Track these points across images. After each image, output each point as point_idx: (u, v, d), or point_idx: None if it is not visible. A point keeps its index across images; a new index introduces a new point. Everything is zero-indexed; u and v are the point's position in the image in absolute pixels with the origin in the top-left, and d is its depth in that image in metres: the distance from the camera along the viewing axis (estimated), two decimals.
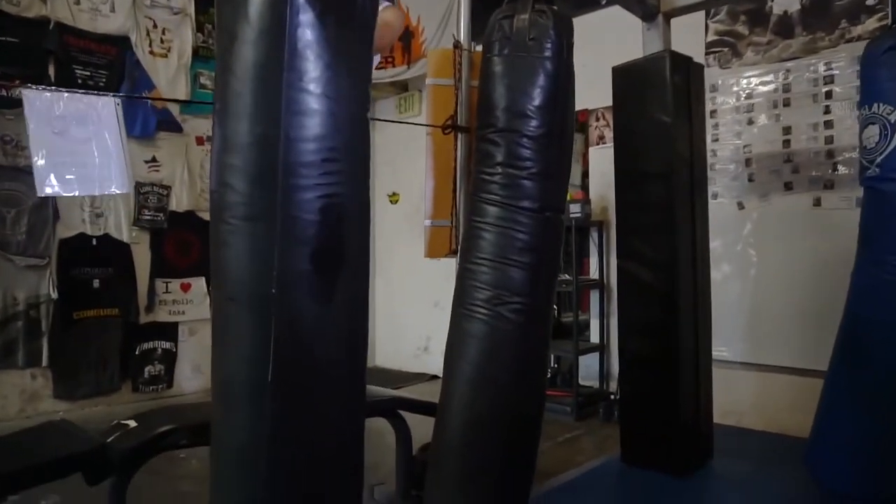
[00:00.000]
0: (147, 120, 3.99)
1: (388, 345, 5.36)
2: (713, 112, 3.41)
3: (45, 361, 3.64)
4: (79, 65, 3.72)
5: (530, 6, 1.91)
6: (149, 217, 4.01)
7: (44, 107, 1.42)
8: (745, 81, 3.35)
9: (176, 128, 4.11)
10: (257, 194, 1.20)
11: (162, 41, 4.07)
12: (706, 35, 3.48)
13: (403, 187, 5.28)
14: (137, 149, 3.94)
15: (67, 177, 1.43)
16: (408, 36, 4.83)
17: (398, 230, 5.17)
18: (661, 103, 2.49)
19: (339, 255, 1.26)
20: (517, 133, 1.88)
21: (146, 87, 3.98)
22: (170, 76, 4.07)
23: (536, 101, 1.87)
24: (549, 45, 1.87)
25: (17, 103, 3.50)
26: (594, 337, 3.98)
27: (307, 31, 1.20)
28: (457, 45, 2.45)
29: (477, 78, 2.13)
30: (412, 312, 5.15)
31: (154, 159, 4.05)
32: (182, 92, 4.06)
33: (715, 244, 2.88)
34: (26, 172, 3.55)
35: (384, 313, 5.38)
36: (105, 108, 1.49)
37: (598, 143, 3.97)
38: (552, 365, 4.01)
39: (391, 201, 5.31)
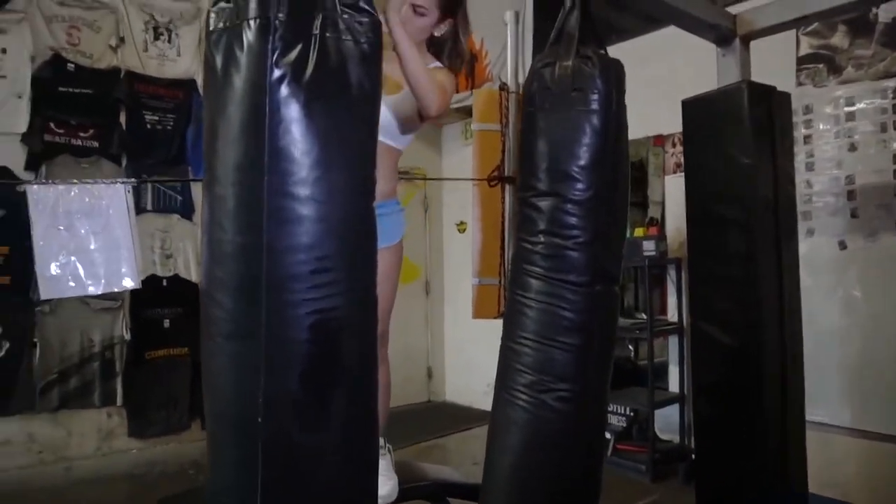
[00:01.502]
0: None
1: (458, 379, 5.20)
2: (807, 137, 3.01)
3: (119, 400, 3.76)
4: (148, 110, 3.84)
5: (573, 52, 1.70)
6: None
7: (50, 202, 1.36)
8: (844, 101, 2.93)
9: None
10: (240, 311, 1.07)
11: None
12: (797, 49, 3.09)
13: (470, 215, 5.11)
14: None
15: (73, 277, 1.37)
16: (471, 60, 4.68)
17: (467, 259, 4.99)
18: (739, 142, 2.18)
19: (334, 375, 1.11)
20: (560, 197, 1.67)
21: None
22: None
23: (582, 161, 1.65)
24: (595, 97, 1.65)
25: (92, 152, 3.65)
26: (673, 385, 3.63)
27: (291, 128, 1.05)
28: (503, 86, 2.27)
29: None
30: (481, 345, 4.95)
31: None
32: None
33: (810, 290, 2.51)
34: None
35: (453, 346, 5.23)
36: (115, 196, 1.42)
37: (675, 171, 3.63)
38: (628, 413, 3.70)
39: (459, 230, 5.16)
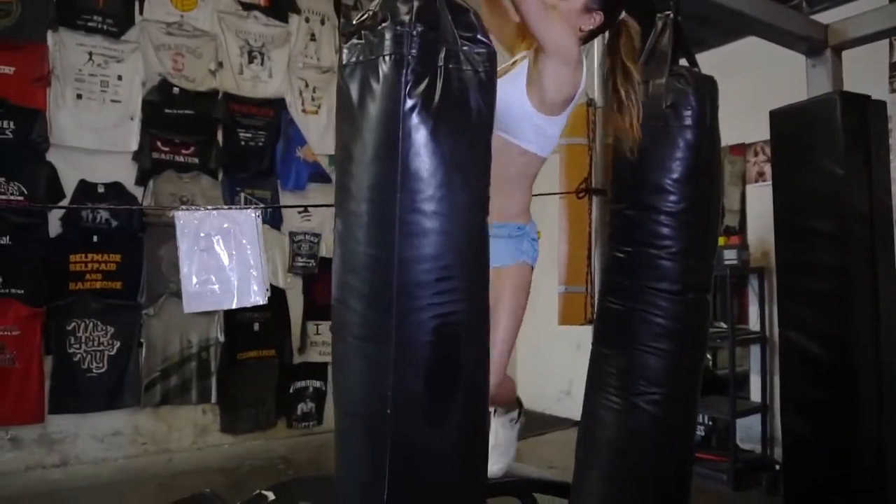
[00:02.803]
0: (300, 173, 4.29)
1: (532, 386, 5.24)
2: None
3: (213, 398, 4.01)
4: (242, 128, 4.10)
5: (667, 70, 1.76)
6: (301, 263, 4.30)
7: (192, 226, 1.53)
8: None
9: (326, 179, 4.36)
10: (372, 315, 1.20)
11: (313, 99, 4.36)
12: (891, 55, 3.01)
13: (545, 224, 5.16)
14: (292, 199, 4.25)
15: (210, 293, 1.54)
16: None
17: (541, 268, 5.02)
18: (832, 152, 2.18)
19: (454, 376, 1.22)
20: (654, 209, 1.73)
21: (299, 142, 4.28)
22: (320, 131, 4.35)
23: (675, 175, 1.72)
24: (688, 113, 1.71)
25: (192, 167, 3.93)
26: (755, 394, 3.57)
27: (421, 151, 1.17)
28: (590, 102, 2.33)
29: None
30: (555, 353, 5.00)
31: (306, 209, 4.33)
32: (331, 146, 4.31)
33: None
34: None
35: (527, 353, 5.28)
36: (247, 221, 1.58)
37: (756, 181, 3.59)
38: (706, 422, 3.67)
39: None
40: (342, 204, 1.25)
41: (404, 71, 1.16)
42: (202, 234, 1.57)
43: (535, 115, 1.52)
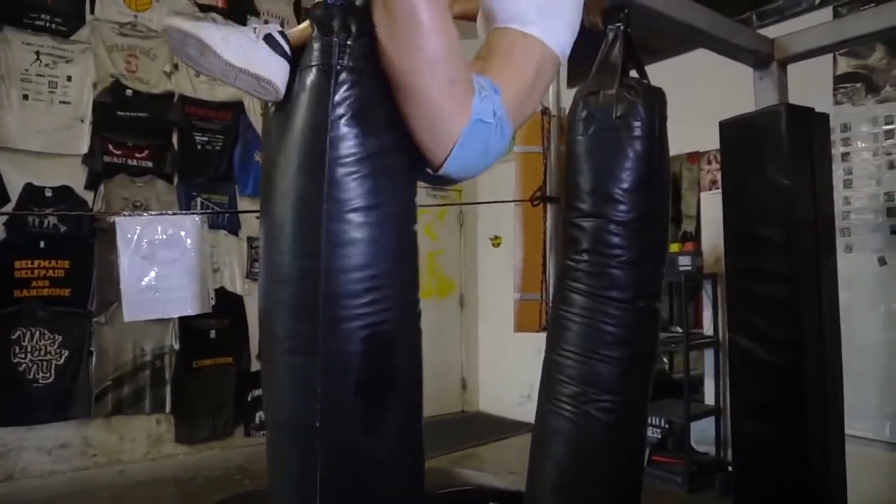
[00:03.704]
0: (259, 178, 4.21)
1: (492, 390, 5.27)
2: (844, 155, 3.04)
3: (168, 408, 3.91)
4: (198, 132, 4.02)
5: (617, 81, 1.78)
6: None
7: (135, 233, 1.49)
8: (883, 120, 2.95)
9: None
10: (300, 328, 1.17)
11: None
12: (835, 68, 3.12)
13: (506, 230, 5.20)
14: (250, 205, 4.18)
15: (152, 301, 1.50)
16: None
17: (501, 273, 5.07)
18: (778, 164, 2.23)
19: (386, 385, 1.21)
20: (604, 219, 1.74)
21: (258, 147, 4.22)
22: None
23: (625, 185, 1.73)
24: (638, 124, 1.73)
25: (146, 171, 3.84)
26: (709, 397, 3.65)
27: (348, 161, 1.15)
28: (545, 111, 2.36)
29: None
30: (515, 358, 5.02)
31: None
32: None
33: (850, 306, 2.52)
34: None
35: (487, 358, 5.30)
36: (192, 228, 1.55)
37: (710, 188, 3.67)
38: (663, 425, 3.73)
39: (493, 244, 5.24)
40: (268, 213, 1.23)
41: (332, 81, 1.14)
42: (145, 241, 1.53)
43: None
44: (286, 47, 1.15)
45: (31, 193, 3.50)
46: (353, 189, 1.15)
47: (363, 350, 1.15)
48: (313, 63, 1.16)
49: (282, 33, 1.16)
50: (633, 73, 1.88)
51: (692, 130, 3.57)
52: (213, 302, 1.61)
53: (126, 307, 1.50)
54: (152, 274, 1.52)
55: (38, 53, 3.53)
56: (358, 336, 1.15)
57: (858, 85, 3.04)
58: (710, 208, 3.66)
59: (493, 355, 5.24)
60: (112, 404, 3.72)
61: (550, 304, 2.10)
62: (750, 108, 2.49)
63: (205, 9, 4.06)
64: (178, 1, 3.97)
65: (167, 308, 1.54)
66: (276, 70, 1.16)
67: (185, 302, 1.55)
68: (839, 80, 3.11)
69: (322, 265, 1.13)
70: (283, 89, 1.14)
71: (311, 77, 1.16)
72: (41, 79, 3.53)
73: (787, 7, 3.25)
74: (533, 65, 1.30)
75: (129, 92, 3.76)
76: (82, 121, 3.62)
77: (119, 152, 3.75)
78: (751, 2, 3.39)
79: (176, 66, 3.93)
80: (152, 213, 1.56)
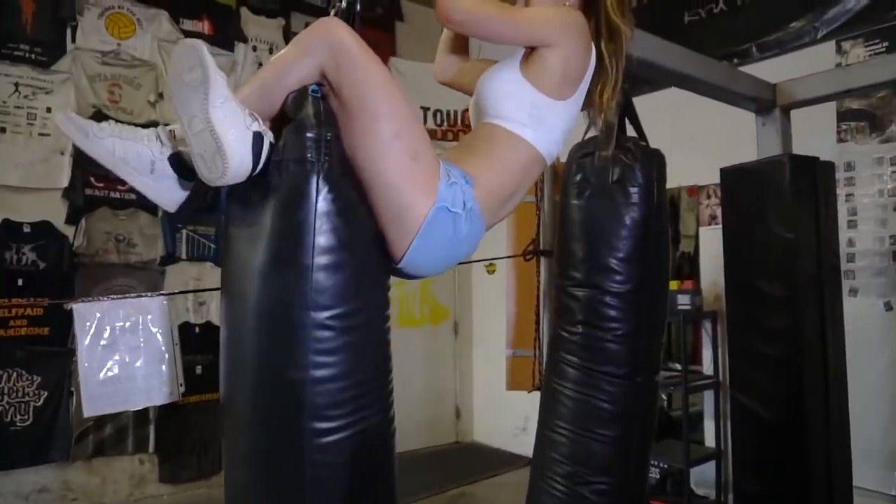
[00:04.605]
0: None
1: (486, 419, 5.15)
2: (848, 195, 2.94)
3: (151, 447, 3.79)
4: None
5: (613, 142, 1.69)
6: None
7: (95, 320, 1.38)
8: (889, 161, 2.86)
9: None
10: (280, 437, 1.10)
11: None
12: (838, 104, 3.03)
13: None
14: None
15: (114, 393, 1.39)
16: None
17: (496, 301, 4.96)
18: (781, 217, 2.14)
19: (373, 492, 1.13)
20: (600, 289, 1.65)
21: None
22: None
23: (621, 254, 1.64)
24: (635, 189, 1.64)
25: (129, 204, 3.73)
26: (709, 438, 3.54)
27: (332, 265, 1.07)
28: None
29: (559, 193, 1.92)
30: None
31: None
32: None
33: (855, 352, 2.40)
34: (137, 268, 3.76)
35: (482, 387, 5.18)
36: (157, 311, 1.44)
37: (709, 223, 3.58)
38: (661, 466, 3.62)
39: (488, 271, 5.13)
40: (235, 307, 1.13)
41: (316, 178, 1.05)
42: (106, 328, 1.42)
43: (530, 90, 1.20)
44: (263, 156, 1.05)
45: (9, 229, 3.38)
46: (338, 294, 1.07)
47: (351, 461, 1.09)
48: (293, 157, 1.06)
49: (272, 145, 1.06)
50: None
51: (691, 161, 3.48)
52: (182, 389, 1.50)
53: (85, 401, 1.40)
54: (115, 362, 1.41)
55: (16, 85, 3.41)
56: (345, 447, 1.08)
57: (863, 123, 2.95)
58: (710, 243, 3.56)
59: (487, 383, 5.13)
60: (93, 445, 3.59)
61: (544, 364, 2.01)
62: (752, 143, 2.39)
63: (191, 35, 3.95)
64: (163, 27, 3.86)
65: (129, 399, 1.44)
66: (238, 157, 1.05)
67: (151, 391, 1.45)
68: (843, 116, 3.02)
69: (307, 376, 1.05)
70: (227, 180, 1.03)
71: (292, 172, 1.07)
72: (20, 111, 3.42)
73: (787, 40, 3.16)
74: (520, 167, 1.21)
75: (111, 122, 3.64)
76: (62, 153, 3.51)
77: (101, 185, 3.63)
78: (751, 33, 3.29)
79: (161, 96, 3.82)
80: (114, 297, 1.45)
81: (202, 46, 1.02)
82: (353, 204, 1.09)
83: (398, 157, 1.06)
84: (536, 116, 1.20)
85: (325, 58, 1.05)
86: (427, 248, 1.11)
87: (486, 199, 1.15)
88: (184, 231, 3.90)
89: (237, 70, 4.09)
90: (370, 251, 1.12)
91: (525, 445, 4.73)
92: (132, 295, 1.50)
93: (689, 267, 3.78)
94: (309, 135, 1.05)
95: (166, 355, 1.47)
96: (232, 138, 1.03)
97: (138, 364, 1.43)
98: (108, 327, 1.40)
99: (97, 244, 3.60)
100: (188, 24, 3.96)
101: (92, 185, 3.60)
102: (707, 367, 3.54)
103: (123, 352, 1.41)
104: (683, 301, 3.30)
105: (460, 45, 1.48)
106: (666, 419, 3.70)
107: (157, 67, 3.80)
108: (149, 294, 1.55)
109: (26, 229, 3.42)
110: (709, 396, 3.55)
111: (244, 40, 4.15)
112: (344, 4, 1.21)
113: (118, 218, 3.68)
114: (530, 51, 1.22)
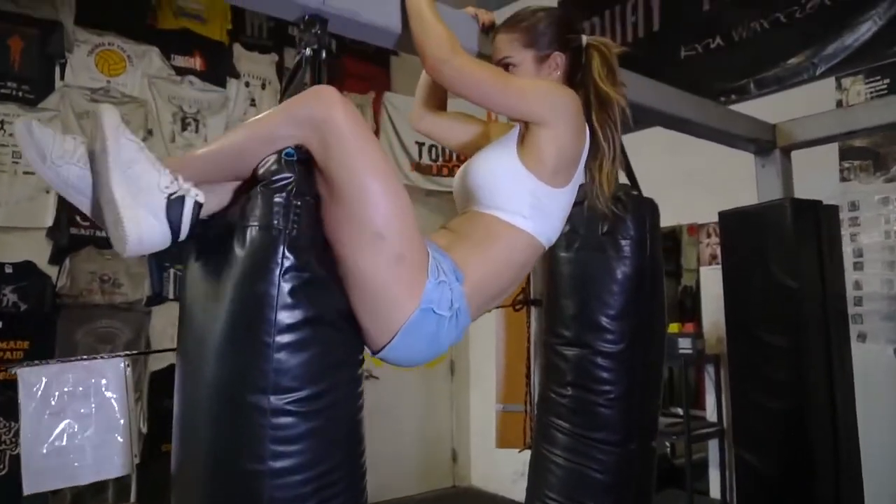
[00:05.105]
0: None
1: (484, 463, 4.97)
2: (853, 236, 2.83)
3: (133, 496, 3.62)
4: None
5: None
6: None
7: (41, 386, 1.27)
8: (895, 199, 2.76)
9: None
10: None
11: None
12: (840, 142, 2.94)
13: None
14: None
15: (60, 466, 1.28)
16: None
17: (492, 340, 4.84)
18: (784, 263, 2.03)
19: None
20: (590, 349, 1.53)
21: None
22: None
23: (612, 311, 1.53)
24: (626, 242, 1.53)
25: None
26: (714, 490, 3.38)
27: (295, 342, 0.97)
28: None
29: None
30: None
31: None
32: None
33: (863, 400, 2.26)
34: (122, 309, 3.66)
35: (479, 429, 5.02)
36: (112, 373, 1.33)
37: (710, 263, 3.47)
38: None
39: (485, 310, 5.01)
40: (185, 396, 1.03)
41: (281, 247, 0.95)
42: (55, 393, 1.31)
43: (531, 180, 1.16)
44: (185, 220, 0.94)
45: None
46: (301, 376, 0.97)
47: None
48: (259, 223, 0.97)
49: (197, 204, 0.96)
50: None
51: (690, 199, 3.40)
52: (137, 461, 1.38)
53: (25, 477, 1.28)
54: (62, 431, 1.30)
55: (2, 122, 3.36)
56: None
57: (867, 162, 2.85)
58: (711, 283, 3.44)
59: (484, 425, 4.95)
60: (72, 496, 3.45)
61: (534, 420, 1.88)
62: (753, 179, 2.30)
63: (182, 71, 3.92)
64: (153, 64, 3.82)
65: (77, 474, 1.32)
66: (141, 228, 0.94)
67: (102, 463, 1.34)
68: (845, 154, 2.93)
69: (265, 468, 0.95)
70: (133, 251, 0.93)
71: (254, 238, 0.97)
72: (4, 149, 3.36)
73: (786, 77, 3.09)
74: (519, 262, 1.15)
75: None
76: (47, 192, 3.44)
77: (87, 223, 3.54)
78: (749, 69, 3.23)
79: (150, 132, 3.76)
80: (63, 359, 1.34)
81: (105, 109, 0.98)
82: (322, 278, 0.99)
83: (380, 259, 0.98)
84: (538, 207, 1.16)
85: (312, 133, 0.97)
86: (409, 345, 1.03)
87: (476, 295, 1.08)
88: (171, 270, 3.80)
89: (229, 106, 4.05)
90: (340, 328, 1.01)
91: (524, 492, 4.56)
92: (85, 357, 1.39)
93: (692, 302, 3.66)
94: (277, 199, 0.96)
95: (121, 422, 1.35)
96: (132, 208, 0.93)
97: (88, 433, 1.31)
98: (56, 393, 1.29)
99: (81, 284, 3.50)
100: (180, 60, 3.93)
101: (77, 224, 3.52)
102: (710, 412, 3.40)
103: (72, 420, 1.30)
104: (685, 345, 3.18)
105: (439, 96, 1.40)
106: (669, 467, 3.55)
107: (146, 104, 3.76)
108: (104, 356, 1.45)
109: (8, 270, 3.33)
110: (713, 444, 3.40)
111: (236, 76, 4.10)
112: (308, 52, 1.14)
113: (104, 257, 3.58)
114: (525, 133, 1.17)
